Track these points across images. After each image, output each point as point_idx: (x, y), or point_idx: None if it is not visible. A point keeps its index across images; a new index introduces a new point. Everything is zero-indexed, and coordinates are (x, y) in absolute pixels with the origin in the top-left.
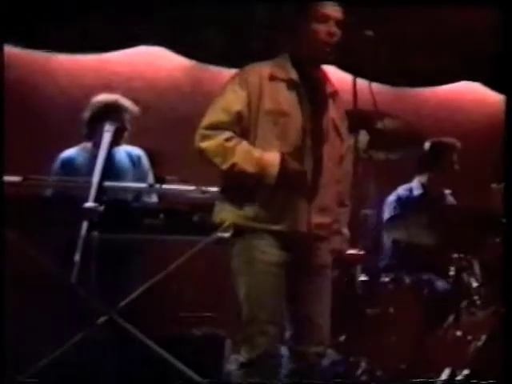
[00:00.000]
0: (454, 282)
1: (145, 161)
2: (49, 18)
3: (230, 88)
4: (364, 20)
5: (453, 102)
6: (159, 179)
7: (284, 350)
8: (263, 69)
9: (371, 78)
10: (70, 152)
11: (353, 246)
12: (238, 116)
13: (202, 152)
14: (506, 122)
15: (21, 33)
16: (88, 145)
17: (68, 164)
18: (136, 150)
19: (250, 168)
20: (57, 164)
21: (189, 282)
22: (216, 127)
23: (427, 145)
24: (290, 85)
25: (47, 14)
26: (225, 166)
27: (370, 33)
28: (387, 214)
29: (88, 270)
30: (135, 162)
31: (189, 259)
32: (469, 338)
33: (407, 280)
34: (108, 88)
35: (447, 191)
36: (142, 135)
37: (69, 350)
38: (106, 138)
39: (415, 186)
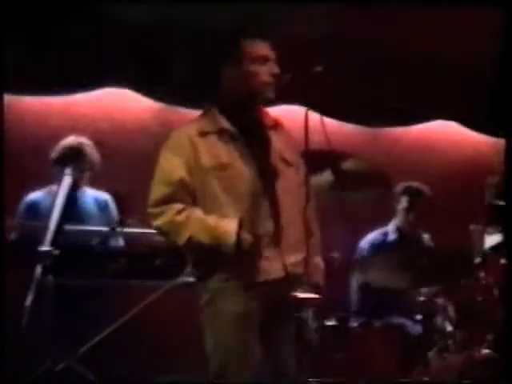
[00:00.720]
0: (426, 326)
1: (112, 205)
2: (15, 59)
3: (163, 158)
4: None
5: (426, 142)
6: (121, 222)
7: None
8: (190, 128)
9: (342, 117)
10: (35, 195)
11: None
12: (181, 184)
13: (157, 230)
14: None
15: None
16: (54, 188)
17: (33, 207)
18: (103, 195)
19: (205, 239)
20: (21, 207)
21: (152, 326)
22: (162, 202)
23: (399, 188)
24: (223, 134)
25: (14, 55)
26: (181, 242)
27: (319, 68)
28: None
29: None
30: (102, 206)
31: (153, 303)
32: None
33: (377, 324)
34: (75, 130)
35: (425, 234)
36: (109, 177)
37: None
38: (66, 181)
39: (391, 229)
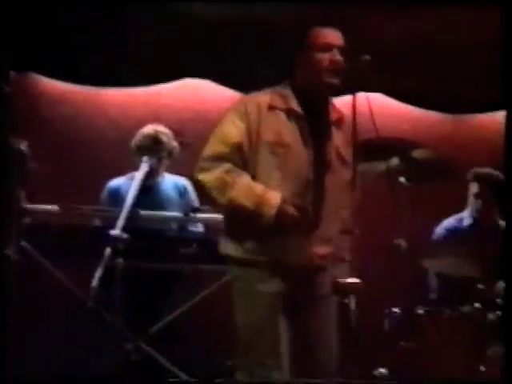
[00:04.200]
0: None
1: (191, 191)
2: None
3: (229, 119)
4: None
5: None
6: (195, 208)
7: None
8: (262, 98)
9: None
10: (116, 182)
11: (354, 275)
12: (238, 147)
13: (199, 184)
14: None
15: (73, 69)
16: (135, 174)
17: (114, 193)
18: (182, 181)
19: (248, 204)
20: (104, 193)
21: (221, 311)
22: (215, 159)
23: (469, 175)
24: (291, 114)
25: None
26: (223, 200)
27: (367, 57)
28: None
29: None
30: (181, 192)
31: (221, 288)
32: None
33: (447, 313)
34: (157, 120)
35: (501, 222)
36: (190, 164)
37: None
38: (142, 168)
39: (466, 215)
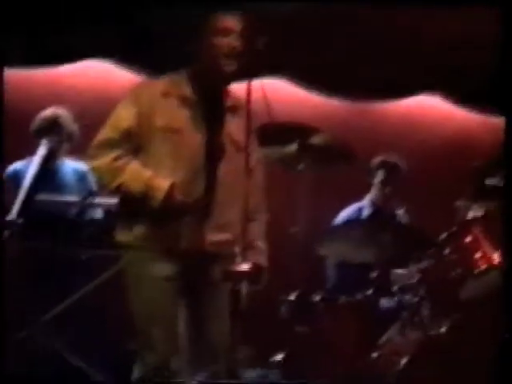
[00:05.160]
0: (395, 302)
1: (90, 176)
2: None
3: (121, 105)
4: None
5: (412, 117)
6: (92, 193)
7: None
8: (156, 85)
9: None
10: (17, 165)
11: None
12: (127, 133)
13: (92, 171)
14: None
15: None
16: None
17: (13, 177)
18: (82, 166)
19: (136, 188)
20: (5, 176)
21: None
22: (105, 145)
23: (375, 162)
24: (184, 101)
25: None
26: (112, 186)
27: (264, 39)
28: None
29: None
30: (81, 177)
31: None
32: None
33: (341, 299)
34: (59, 101)
35: (400, 210)
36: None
37: None
38: (40, 152)
39: (366, 204)
